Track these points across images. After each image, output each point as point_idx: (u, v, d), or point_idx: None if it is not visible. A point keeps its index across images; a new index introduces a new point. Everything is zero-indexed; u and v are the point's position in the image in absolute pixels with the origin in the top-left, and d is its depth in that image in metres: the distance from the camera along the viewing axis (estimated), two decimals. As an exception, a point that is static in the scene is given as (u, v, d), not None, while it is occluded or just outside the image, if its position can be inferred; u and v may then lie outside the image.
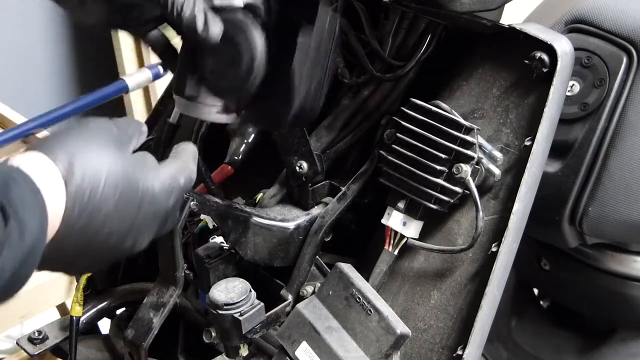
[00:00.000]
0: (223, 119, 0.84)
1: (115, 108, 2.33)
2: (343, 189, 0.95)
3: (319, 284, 0.93)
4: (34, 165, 0.62)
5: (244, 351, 0.90)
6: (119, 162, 0.66)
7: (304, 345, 0.86)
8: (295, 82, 0.80)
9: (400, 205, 0.90)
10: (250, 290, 0.88)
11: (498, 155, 0.87)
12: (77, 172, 0.63)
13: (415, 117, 0.89)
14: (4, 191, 0.58)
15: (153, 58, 2.28)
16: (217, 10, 0.77)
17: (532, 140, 0.84)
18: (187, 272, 1.01)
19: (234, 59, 0.79)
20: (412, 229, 0.90)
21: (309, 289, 0.95)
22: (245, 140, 1.08)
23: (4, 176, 0.59)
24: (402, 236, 0.91)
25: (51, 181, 0.62)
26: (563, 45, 0.84)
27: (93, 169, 0.64)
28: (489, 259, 0.85)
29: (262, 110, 0.83)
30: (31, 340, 1.10)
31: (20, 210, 0.58)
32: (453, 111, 0.88)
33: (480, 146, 0.86)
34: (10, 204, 0.58)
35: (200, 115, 0.83)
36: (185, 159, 0.75)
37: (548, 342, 1.46)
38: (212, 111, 0.83)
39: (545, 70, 0.84)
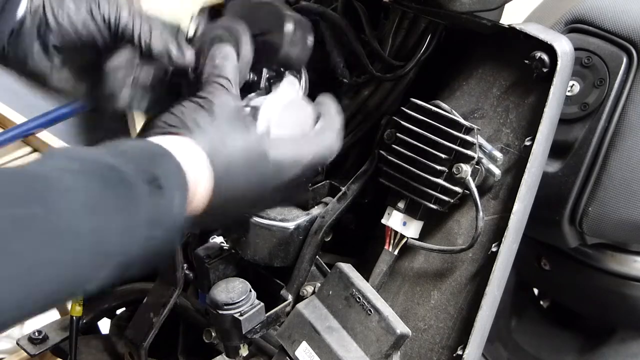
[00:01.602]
0: None
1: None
2: (343, 189, 0.95)
3: (319, 284, 0.93)
4: (180, 148, 0.65)
5: (244, 351, 0.90)
6: (251, 143, 0.70)
7: (304, 345, 0.86)
8: None
9: (400, 205, 0.90)
10: (250, 290, 0.88)
11: (498, 155, 0.86)
12: (219, 158, 0.67)
13: (416, 117, 0.89)
14: (152, 165, 0.60)
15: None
16: None
17: (532, 140, 0.84)
18: (187, 272, 1.02)
19: None
20: (412, 229, 0.90)
21: (309, 289, 0.95)
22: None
23: (150, 151, 0.62)
24: (402, 236, 0.91)
25: (198, 166, 0.65)
26: (563, 45, 0.84)
27: (230, 155, 0.68)
28: (489, 259, 0.84)
29: None
30: (31, 340, 1.10)
31: (166, 185, 0.60)
32: (453, 111, 0.88)
33: (480, 146, 0.86)
34: (158, 177, 0.60)
35: None
36: (323, 134, 0.77)
37: (548, 342, 1.46)
38: None
39: (545, 70, 0.84)
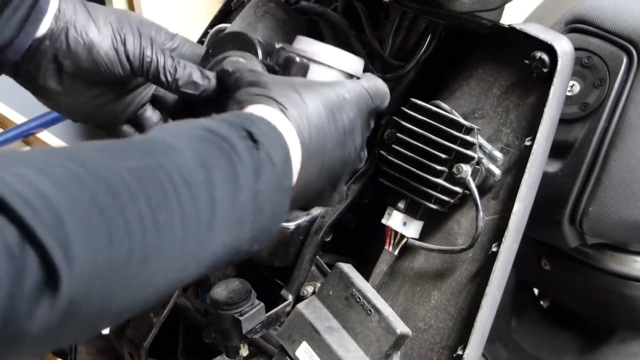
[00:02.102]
0: None
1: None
2: (343, 189, 0.95)
3: (319, 284, 0.93)
4: (272, 116, 0.64)
5: (244, 351, 0.90)
6: (326, 95, 0.69)
7: (304, 345, 0.86)
8: None
9: (401, 205, 0.90)
10: (250, 290, 0.88)
11: (498, 155, 0.87)
12: (306, 131, 0.66)
13: (416, 117, 0.89)
14: (246, 126, 0.60)
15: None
16: None
17: (532, 140, 0.84)
18: (187, 272, 1.01)
19: None
20: (412, 229, 0.90)
21: (309, 289, 0.95)
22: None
23: (241, 117, 0.62)
24: (402, 236, 0.91)
25: (290, 136, 0.64)
26: (563, 45, 0.84)
27: (315, 125, 0.67)
28: (489, 259, 0.84)
29: None
30: (31, 340, 1.10)
31: (264, 142, 0.59)
32: (453, 111, 0.88)
33: (481, 146, 0.86)
34: (254, 135, 0.59)
35: None
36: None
37: (548, 342, 1.46)
38: None
39: (545, 70, 0.84)
